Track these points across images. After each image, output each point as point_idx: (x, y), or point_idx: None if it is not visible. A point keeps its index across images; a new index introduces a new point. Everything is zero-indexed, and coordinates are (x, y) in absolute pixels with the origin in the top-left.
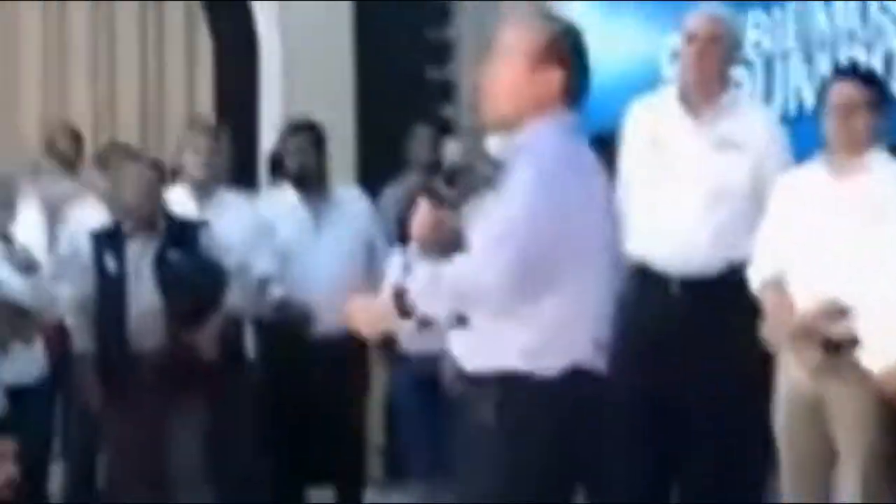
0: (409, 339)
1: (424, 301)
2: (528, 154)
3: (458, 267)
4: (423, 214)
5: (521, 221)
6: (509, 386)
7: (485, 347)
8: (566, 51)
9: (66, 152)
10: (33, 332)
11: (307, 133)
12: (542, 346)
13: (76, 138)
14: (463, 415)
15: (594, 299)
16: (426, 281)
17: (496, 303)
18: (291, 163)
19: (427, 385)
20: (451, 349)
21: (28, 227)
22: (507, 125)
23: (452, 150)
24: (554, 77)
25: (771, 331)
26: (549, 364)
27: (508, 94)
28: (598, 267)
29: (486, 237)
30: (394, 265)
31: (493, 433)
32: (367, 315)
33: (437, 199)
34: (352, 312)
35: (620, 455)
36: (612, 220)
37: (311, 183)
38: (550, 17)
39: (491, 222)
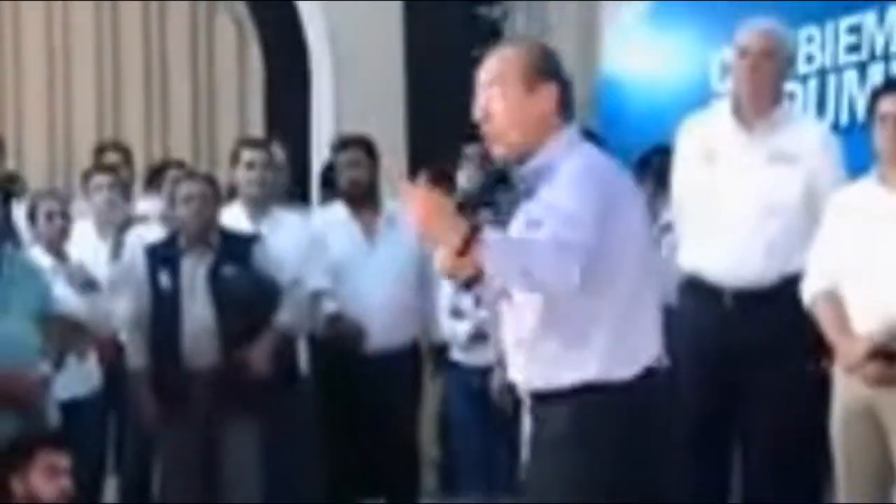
0: (462, 352)
1: (494, 254)
2: (568, 165)
3: (537, 252)
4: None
5: (584, 215)
6: (585, 395)
7: (559, 362)
8: (554, 66)
9: (115, 167)
10: (88, 346)
11: (358, 147)
12: (618, 354)
13: (125, 154)
14: (530, 430)
15: (654, 300)
16: (503, 238)
17: (563, 295)
18: (342, 178)
19: (479, 397)
20: (510, 367)
21: (83, 242)
22: (521, 153)
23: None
24: (551, 92)
25: (837, 352)
26: (624, 370)
27: (512, 121)
28: (651, 268)
29: (555, 229)
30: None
31: (570, 443)
32: (432, 209)
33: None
34: (419, 199)
35: (677, 465)
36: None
37: (363, 198)
38: (523, 40)
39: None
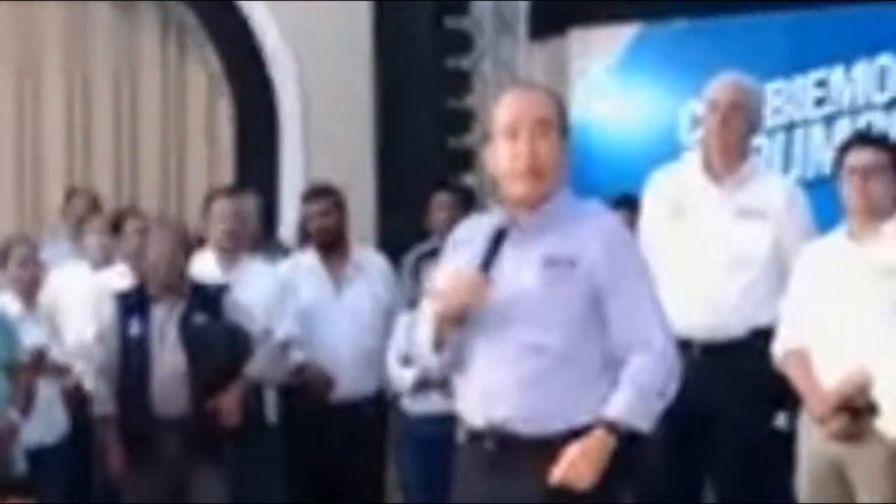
0: (408, 399)
1: (638, 418)
2: (599, 221)
3: (648, 372)
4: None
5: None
6: None
7: (571, 403)
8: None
9: (82, 215)
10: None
11: (327, 196)
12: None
13: (93, 202)
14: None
15: None
16: (632, 401)
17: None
18: (311, 226)
19: (427, 445)
20: (496, 408)
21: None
22: (540, 200)
23: None
24: (567, 147)
25: (806, 405)
26: None
27: (554, 168)
28: None
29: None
30: (400, 325)
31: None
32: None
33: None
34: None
35: None
36: None
37: (332, 246)
38: (544, 86)
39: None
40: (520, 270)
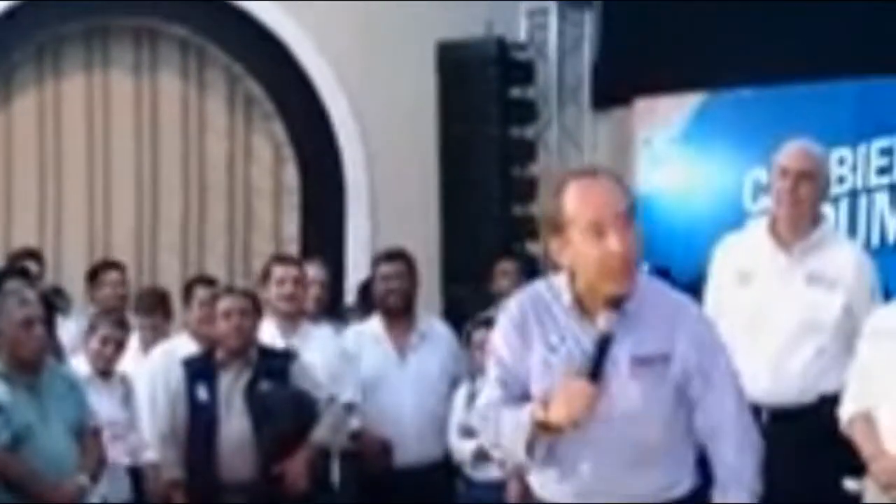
0: (470, 469)
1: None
2: (682, 312)
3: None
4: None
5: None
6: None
7: (659, 489)
8: None
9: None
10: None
11: (399, 260)
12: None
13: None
14: None
15: None
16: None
17: None
18: (380, 288)
19: None
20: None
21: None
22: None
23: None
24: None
25: (872, 471)
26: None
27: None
28: None
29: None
30: (460, 396)
31: None
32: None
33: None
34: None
35: None
36: None
37: (399, 311)
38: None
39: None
40: (611, 372)
